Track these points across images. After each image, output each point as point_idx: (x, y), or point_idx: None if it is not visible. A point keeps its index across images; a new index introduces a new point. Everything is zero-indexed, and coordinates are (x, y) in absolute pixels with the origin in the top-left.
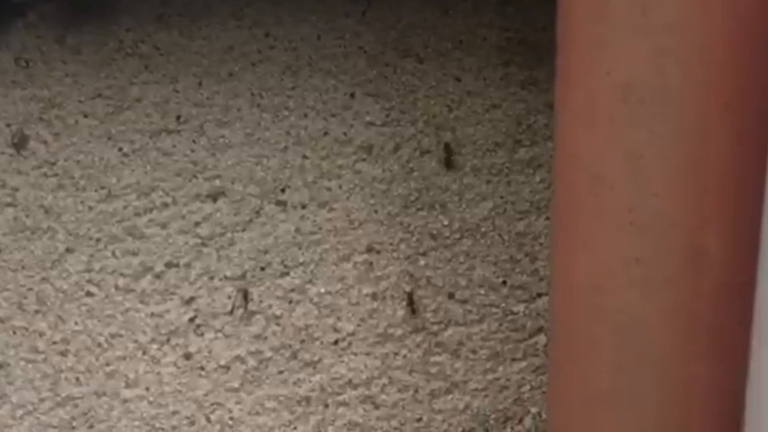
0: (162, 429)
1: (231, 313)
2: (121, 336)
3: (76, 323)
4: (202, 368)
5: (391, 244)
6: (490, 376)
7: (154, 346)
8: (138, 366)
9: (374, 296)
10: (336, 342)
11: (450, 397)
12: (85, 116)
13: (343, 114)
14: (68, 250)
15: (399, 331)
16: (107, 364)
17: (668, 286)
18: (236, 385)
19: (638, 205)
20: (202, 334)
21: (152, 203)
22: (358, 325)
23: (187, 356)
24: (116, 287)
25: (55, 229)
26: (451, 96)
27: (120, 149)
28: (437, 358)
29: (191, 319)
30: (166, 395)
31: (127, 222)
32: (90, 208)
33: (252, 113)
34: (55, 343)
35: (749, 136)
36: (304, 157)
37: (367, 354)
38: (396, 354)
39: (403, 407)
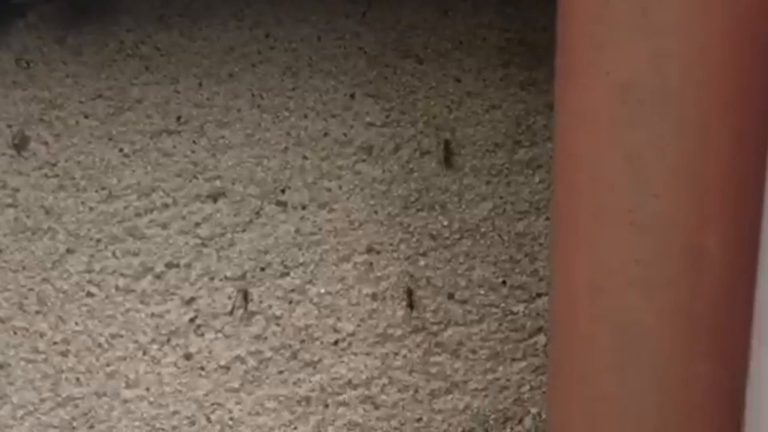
0: (162, 429)
1: (231, 313)
2: (121, 336)
3: (76, 324)
4: (203, 368)
5: (391, 244)
6: (489, 376)
7: (155, 347)
8: (138, 366)
9: (374, 296)
10: (336, 342)
11: (450, 397)
12: (86, 117)
13: (343, 115)
14: (69, 251)
15: (399, 332)
16: (108, 365)
17: (668, 286)
18: (236, 385)
19: (638, 206)
20: (202, 335)
21: (153, 204)
22: (358, 326)
23: (188, 356)
24: (117, 288)
25: (55, 229)
26: (451, 97)
27: (121, 150)
28: (437, 358)
29: (191, 320)
30: (167, 395)
31: (128, 222)
32: (91, 208)
33: (252, 114)
34: (55, 343)
35: (749, 136)
36: (304, 157)
37: (367, 354)
38: (396, 354)
39: (403, 407)
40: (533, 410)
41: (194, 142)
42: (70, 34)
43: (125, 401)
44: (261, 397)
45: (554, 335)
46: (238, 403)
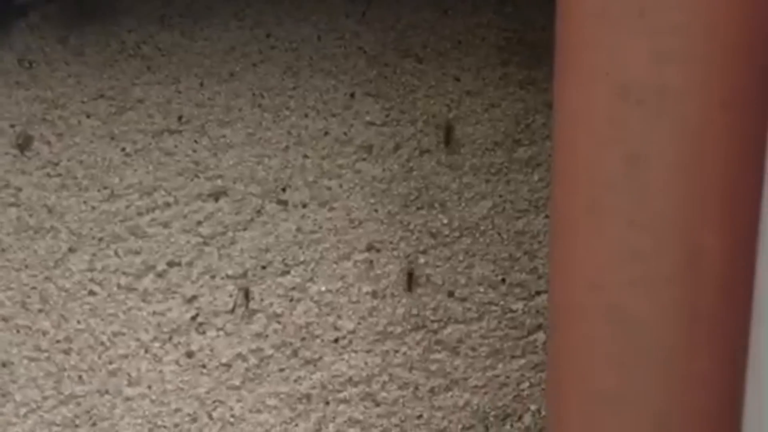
0: (164, 427)
1: (232, 311)
2: (123, 334)
3: (78, 322)
4: (204, 366)
5: (391, 242)
6: (489, 374)
7: (156, 345)
8: (140, 364)
9: (374, 294)
10: (336, 340)
11: (450, 394)
12: (88, 117)
13: (343, 114)
14: (71, 250)
15: (399, 329)
16: (110, 363)
17: (667, 284)
18: (237, 382)
19: (637, 205)
20: (203, 333)
21: (154, 203)
22: (359, 323)
23: (189, 354)
24: (119, 286)
25: (58, 228)
26: (451, 96)
27: (122, 149)
28: (437, 356)
29: (193, 318)
30: (168, 393)
31: (130, 221)
32: (93, 207)
33: (253, 113)
34: (58, 341)
35: (748, 135)
36: (305, 156)
37: (368, 351)
38: (396, 351)
39: (404, 404)
40: (533, 407)
41: (196, 141)
42: (72, 34)
43: (127, 399)
44: (262, 395)
45: (553, 333)
46: (239, 401)
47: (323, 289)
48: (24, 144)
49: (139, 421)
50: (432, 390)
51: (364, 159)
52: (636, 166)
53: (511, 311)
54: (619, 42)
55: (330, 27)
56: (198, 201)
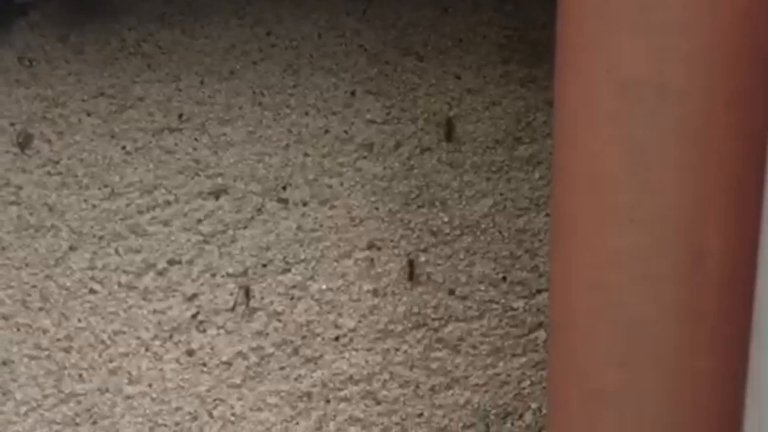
0: (164, 425)
1: (233, 309)
2: (124, 333)
3: (79, 320)
4: (205, 364)
5: (391, 240)
6: (490, 372)
7: (157, 343)
8: (141, 362)
9: (375, 292)
10: (337, 338)
11: (450, 392)
12: (88, 115)
13: (344, 112)
14: (72, 248)
15: (400, 327)
16: (110, 361)
17: (669, 282)
18: (238, 381)
19: (639, 203)
20: (204, 331)
21: (155, 201)
22: (359, 321)
23: (190, 353)
24: (119, 284)
25: (58, 227)
26: (451, 94)
27: (123, 147)
28: (438, 354)
29: (193, 316)
30: (169, 391)
31: (130, 220)
32: (93, 206)
33: (254, 111)
34: (58, 340)
35: (750, 133)
36: (306, 154)
37: (368, 350)
38: (397, 350)
39: (404, 403)
40: (533, 405)
41: (196, 139)
42: (73, 32)
43: (128, 397)
44: (263, 393)
45: (554, 331)
46: (239, 399)
47: (324, 287)
48: (24, 142)
49: (140, 419)
50: (433, 388)
51: (364, 157)
52: (637, 165)
53: (512, 309)
54: (620, 40)
55: (330, 25)
56: (198, 199)
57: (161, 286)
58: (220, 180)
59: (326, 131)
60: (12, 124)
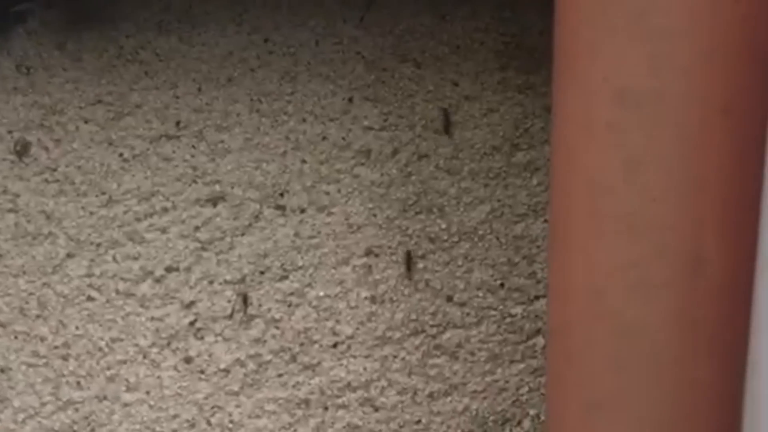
0: None
1: (231, 316)
2: (121, 340)
3: (77, 328)
4: (202, 372)
5: (389, 247)
6: (488, 378)
7: (155, 350)
8: (138, 370)
9: (373, 299)
10: (335, 345)
11: (449, 399)
12: (86, 122)
13: (341, 119)
14: (69, 255)
15: (398, 334)
16: (108, 368)
17: (666, 290)
18: (236, 388)
19: (636, 210)
20: (202, 338)
21: (152, 208)
22: (357, 328)
23: (188, 360)
24: (117, 292)
25: (56, 234)
26: (449, 100)
27: (120, 155)
28: (436, 361)
29: (191, 323)
30: (167, 399)
31: (128, 227)
32: (91, 213)
33: (251, 118)
34: (56, 347)
35: (747, 140)
36: (303, 161)
37: (366, 357)
38: (395, 356)
39: (402, 409)
40: (532, 412)
41: (193, 146)
42: (70, 39)
43: (125, 405)
44: (261, 400)
45: (552, 338)
46: (237, 406)
47: (322, 294)
48: (22, 150)
49: (138, 426)
50: (431, 395)
51: (362, 164)
52: (635, 172)
53: (510, 316)
54: (618, 47)
55: (328, 32)
56: (196, 206)
57: (159, 294)
58: (217, 187)
59: (324, 138)
60: (9, 132)
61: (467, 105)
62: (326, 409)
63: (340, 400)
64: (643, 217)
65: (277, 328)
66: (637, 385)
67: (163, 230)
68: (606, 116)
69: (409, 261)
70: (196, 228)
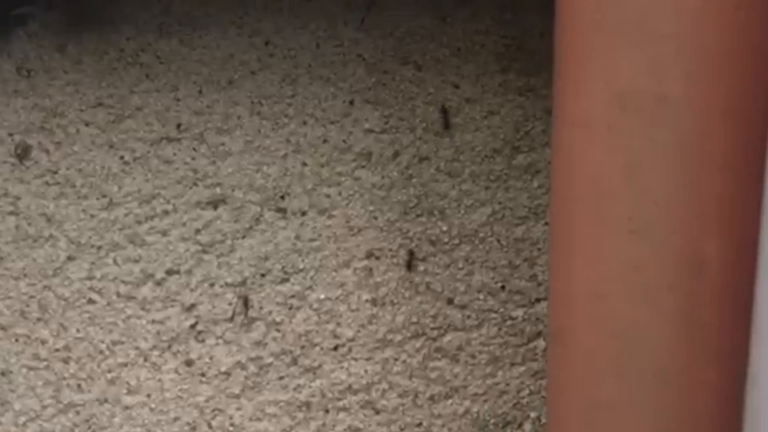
0: None
1: (231, 319)
2: (122, 343)
3: (77, 330)
4: (203, 374)
5: (390, 250)
6: (489, 381)
7: (156, 353)
8: (139, 373)
9: (374, 302)
10: (336, 348)
11: (450, 401)
12: (87, 125)
13: (342, 121)
14: (70, 258)
15: (399, 337)
16: (109, 371)
17: (668, 293)
18: (237, 391)
19: (637, 213)
20: (203, 341)
21: (153, 211)
22: (358, 331)
23: (188, 363)
24: (118, 294)
25: (56, 237)
26: (450, 103)
27: (121, 157)
28: (437, 363)
29: (192, 326)
30: (168, 402)
31: (129, 230)
32: (91, 216)
33: (252, 121)
34: (57, 350)
35: (748, 143)
36: (304, 164)
37: (367, 359)
38: (396, 359)
39: (403, 412)
40: (532, 414)
41: (194, 149)
42: (71, 42)
43: (126, 408)
44: (262, 403)
45: (553, 341)
46: (239, 409)
47: (323, 296)
48: (23, 153)
49: (139, 429)
50: (432, 398)
51: (363, 166)
52: (636, 175)
53: (511, 318)
54: (618, 50)
55: (329, 34)
56: (197, 209)
57: (160, 296)
58: (218, 190)
59: (324, 140)
60: (10, 135)
61: (468, 107)
62: (327, 411)
63: (341, 403)
64: (644, 220)
65: (278, 330)
66: (638, 389)
67: (164, 233)
68: (607, 119)
69: (411, 259)
70: (197, 231)
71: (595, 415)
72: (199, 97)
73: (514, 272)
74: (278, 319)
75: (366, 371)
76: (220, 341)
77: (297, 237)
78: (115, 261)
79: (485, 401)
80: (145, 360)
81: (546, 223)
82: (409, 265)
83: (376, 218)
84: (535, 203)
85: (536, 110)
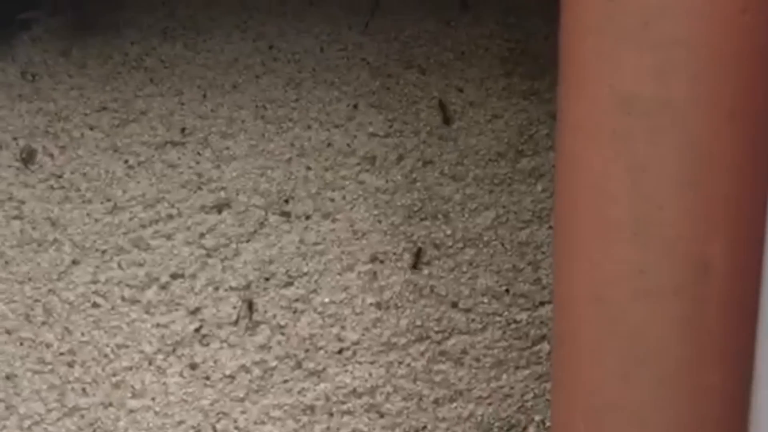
0: None
1: (236, 323)
2: (127, 347)
3: (82, 334)
4: (208, 378)
5: (394, 253)
6: (493, 385)
7: (160, 357)
8: (144, 376)
9: (378, 305)
10: (340, 351)
11: (454, 405)
12: (91, 129)
13: (346, 125)
14: (74, 262)
15: (403, 340)
16: (114, 375)
17: (673, 297)
18: (241, 394)
19: (642, 217)
20: (207, 345)
21: (158, 215)
22: (363, 335)
23: (193, 366)
24: (122, 298)
25: (61, 241)
26: (454, 107)
27: (126, 162)
28: (441, 367)
29: (197, 330)
30: (172, 405)
31: (133, 233)
32: (96, 220)
33: (256, 125)
34: (61, 354)
35: (753, 147)
36: (308, 168)
37: (372, 363)
38: (400, 363)
39: (408, 416)
40: (537, 418)
41: (199, 153)
42: (75, 46)
43: (131, 411)
44: (266, 407)
45: (557, 345)
46: (243, 413)
47: (327, 300)
48: (27, 157)
49: None
50: (436, 401)
51: (367, 170)
52: (641, 179)
53: (515, 322)
54: (623, 54)
55: (333, 38)
56: (201, 213)
57: (164, 300)
58: (222, 194)
59: (329, 144)
60: (15, 139)
61: (472, 111)
62: (331, 415)
63: (345, 407)
64: (648, 224)
65: (282, 334)
66: (643, 392)
67: (169, 237)
68: (611, 123)
69: (418, 256)
70: (202, 235)
71: (600, 419)
72: (203, 101)
73: (519, 275)
74: (283, 323)
75: (370, 375)
76: (225, 345)
77: (301, 241)
78: (119, 265)
79: (489, 404)
80: (150, 363)
81: (550, 227)
82: (415, 264)
83: (380, 222)
84: (539, 207)
85: (540, 114)
